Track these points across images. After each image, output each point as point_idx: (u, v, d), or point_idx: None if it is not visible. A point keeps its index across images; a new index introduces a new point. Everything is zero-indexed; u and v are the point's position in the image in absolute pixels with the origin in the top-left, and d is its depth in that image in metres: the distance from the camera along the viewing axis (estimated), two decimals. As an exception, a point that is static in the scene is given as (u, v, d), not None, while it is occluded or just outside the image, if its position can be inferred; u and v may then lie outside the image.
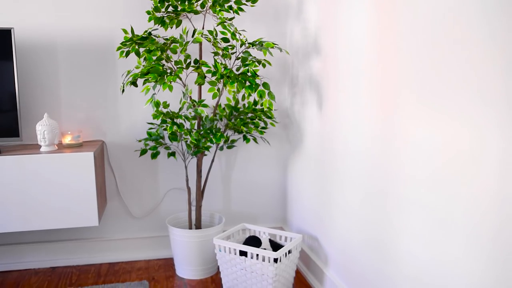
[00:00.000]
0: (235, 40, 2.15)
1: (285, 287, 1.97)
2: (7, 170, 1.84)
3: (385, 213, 1.42)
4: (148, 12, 1.93)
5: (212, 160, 2.20)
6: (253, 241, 2.03)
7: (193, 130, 2.04)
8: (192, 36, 1.94)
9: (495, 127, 0.95)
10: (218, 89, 2.09)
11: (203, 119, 2.06)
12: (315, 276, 2.03)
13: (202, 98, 2.32)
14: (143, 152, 2.11)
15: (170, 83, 1.84)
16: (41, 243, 2.25)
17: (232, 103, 2.30)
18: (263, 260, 1.84)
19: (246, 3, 2.26)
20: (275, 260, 1.82)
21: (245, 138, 2.22)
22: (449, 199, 1.11)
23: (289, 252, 1.93)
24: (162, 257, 2.38)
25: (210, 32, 1.93)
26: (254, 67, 1.90)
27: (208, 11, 2.16)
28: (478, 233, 1.01)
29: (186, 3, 1.93)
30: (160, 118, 2.02)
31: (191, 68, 2.30)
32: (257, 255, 1.85)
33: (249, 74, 1.90)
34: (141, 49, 2.18)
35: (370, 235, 1.53)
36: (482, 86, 0.98)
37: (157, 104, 1.95)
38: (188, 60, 2.20)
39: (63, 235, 2.29)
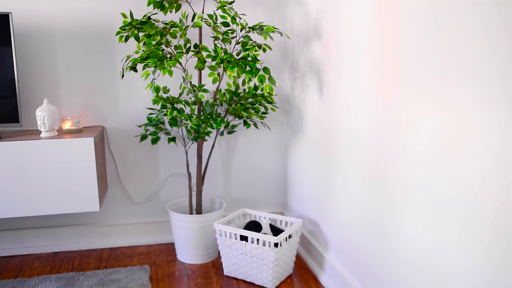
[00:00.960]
0: (235, 25, 2.13)
1: (286, 272, 1.98)
2: (7, 156, 1.84)
3: (386, 196, 1.42)
4: (147, -4, 1.91)
5: (213, 146, 2.20)
6: (254, 226, 2.04)
7: (193, 115, 2.03)
8: (192, 21, 1.92)
9: (496, 111, 0.95)
10: (218, 74, 2.07)
11: (203, 104, 2.06)
12: (315, 260, 2.04)
13: (202, 83, 2.30)
14: (144, 137, 2.11)
15: (170, 68, 1.83)
16: (43, 228, 2.27)
17: (233, 88, 2.29)
18: (264, 244, 1.85)
19: (246, -14, 2.24)
20: (276, 245, 1.83)
21: (245, 123, 2.22)
22: (449, 182, 1.11)
23: (290, 236, 1.94)
24: (163, 242, 2.39)
25: (210, 16, 1.91)
26: (255, 51, 1.88)
27: (207, -5, 2.14)
28: (478, 216, 1.01)
29: (186, -14, 1.91)
30: (160, 103, 2.01)
31: (191, 53, 2.28)
32: (258, 239, 1.86)
33: (249, 58, 1.88)
34: (141, 34, 2.16)
35: (370, 219, 1.54)
36: (480, 69, 0.97)
37: (157, 89, 1.94)
38: (188, 45, 2.18)
39: (64, 220, 2.30)
